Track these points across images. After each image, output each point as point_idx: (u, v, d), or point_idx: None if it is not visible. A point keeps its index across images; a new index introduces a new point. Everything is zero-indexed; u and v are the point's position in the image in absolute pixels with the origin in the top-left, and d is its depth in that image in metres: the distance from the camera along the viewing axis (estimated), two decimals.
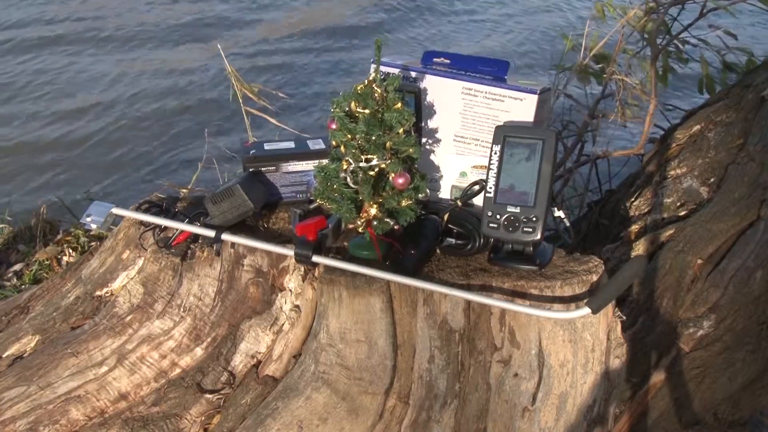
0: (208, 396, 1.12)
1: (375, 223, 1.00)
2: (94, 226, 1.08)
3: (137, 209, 1.15)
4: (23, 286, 2.02)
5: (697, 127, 1.64)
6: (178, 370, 1.14)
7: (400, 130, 0.96)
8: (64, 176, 3.33)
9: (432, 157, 1.13)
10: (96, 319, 1.19)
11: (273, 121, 2.20)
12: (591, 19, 2.13)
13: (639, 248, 1.52)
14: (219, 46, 2.49)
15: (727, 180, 1.49)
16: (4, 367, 1.21)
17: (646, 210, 1.62)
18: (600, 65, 2.15)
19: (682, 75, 2.14)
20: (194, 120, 3.83)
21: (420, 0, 5.68)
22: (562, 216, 1.06)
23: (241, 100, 2.16)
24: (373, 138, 0.95)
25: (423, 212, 1.04)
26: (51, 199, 2.75)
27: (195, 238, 1.13)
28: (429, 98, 1.10)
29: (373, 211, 0.99)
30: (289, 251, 1.01)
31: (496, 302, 0.95)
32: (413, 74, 1.10)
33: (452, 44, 4.91)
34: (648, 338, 1.42)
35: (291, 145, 1.21)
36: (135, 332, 1.15)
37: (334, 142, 0.99)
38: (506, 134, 1.01)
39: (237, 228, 1.09)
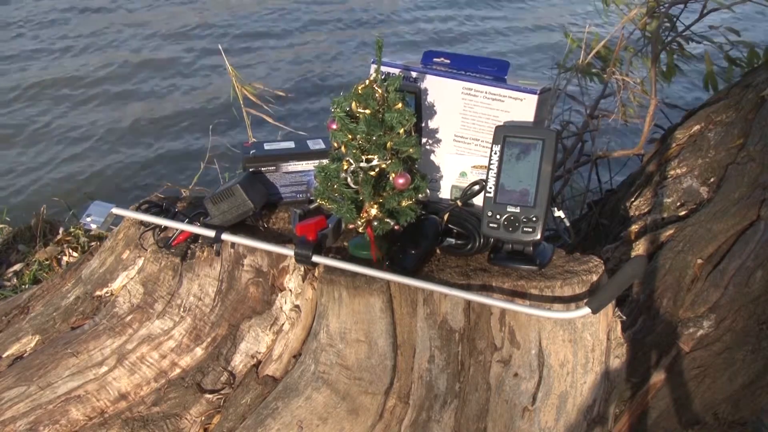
0: (208, 396, 1.12)
1: (375, 223, 1.00)
2: (94, 226, 1.08)
3: (137, 209, 1.15)
4: (23, 286, 2.02)
5: (697, 127, 1.64)
6: (178, 370, 1.14)
7: (401, 131, 0.96)
8: (65, 176, 3.33)
9: (432, 157, 1.13)
10: (96, 319, 1.19)
11: (270, 120, 2.20)
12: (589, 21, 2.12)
13: (639, 248, 1.52)
14: (220, 46, 2.49)
15: (727, 180, 1.49)
16: (4, 367, 1.21)
17: (646, 210, 1.62)
18: (602, 64, 2.15)
19: (683, 74, 2.14)
20: (195, 120, 3.83)
21: None
22: (562, 216, 1.06)
23: (241, 101, 2.16)
24: (374, 138, 0.95)
25: (423, 212, 1.04)
26: (51, 199, 2.75)
27: (195, 238, 1.13)
28: (429, 98, 1.10)
29: (374, 211, 0.99)
30: (289, 251, 1.01)
31: (496, 302, 0.95)
32: (413, 74, 1.10)
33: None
34: (648, 338, 1.42)
35: (291, 145, 1.21)
36: (135, 332, 1.15)
37: (335, 143, 0.99)
38: (506, 134, 1.01)
39: (237, 228, 1.09)
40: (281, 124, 2.27)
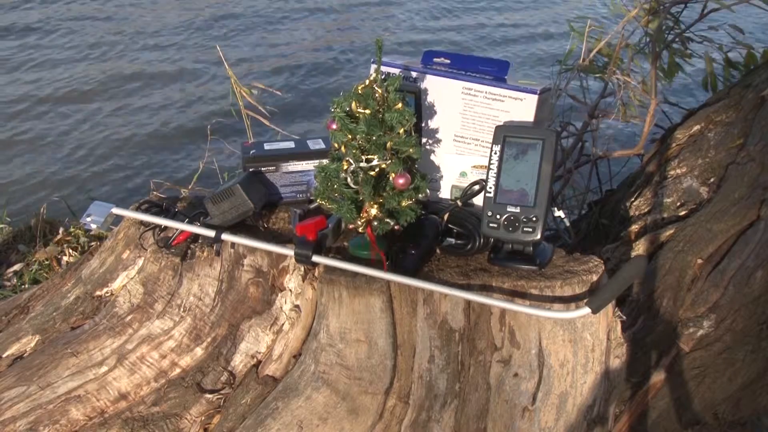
0: (208, 396, 1.12)
1: (375, 223, 1.00)
2: (94, 226, 1.08)
3: (137, 209, 1.15)
4: (23, 286, 2.02)
5: (697, 127, 1.64)
6: (178, 370, 1.14)
7: (401, 131, 0.96)
8: (64, 176, 3.33)
9: (432, 157, 1.13)
10: (96, 319, 1.19)
11: (268, 123, 2.20)
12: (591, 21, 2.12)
13: (639, 248, 1.52)
14: (218, 47, 2.49)
15: (727, 180, 1.49)
16: (4, 367, 1.21)
17: (646, 210, 1.62)
18: (603, 63, 2.15)
19: (684, 74, 2.14)
20: (194, 120, 3.83)
21: None
22: (562, 216, 1.06)
23: (240, 103, 2.16)
24: (374, 138, 0.95)
25: (423, 212, 1.04)
26: (51, 199, 2.75)
27: (195, 238, 1.13)
28: (429, 98, 1.10)
29: (374, 211, 0.99)
30: (289, 251, 1.01)
31: (496, 302, 0.95)
32: (413, 74, 1.10)
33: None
34: (648, 338, 1.42)
35: (291, 145, 1.21)
36: (135, 332, 1.15)
37: (334, 143, 0.99)
38: (506, 134, 1.01)
39: (237, 228, 1.09)
40: (279, 129, 2.26)
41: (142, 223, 1.17)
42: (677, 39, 2.03)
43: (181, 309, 1.14)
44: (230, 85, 2.16)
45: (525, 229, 0.99)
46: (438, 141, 1.12)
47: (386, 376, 1.02)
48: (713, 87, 2.01)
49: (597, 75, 2.14)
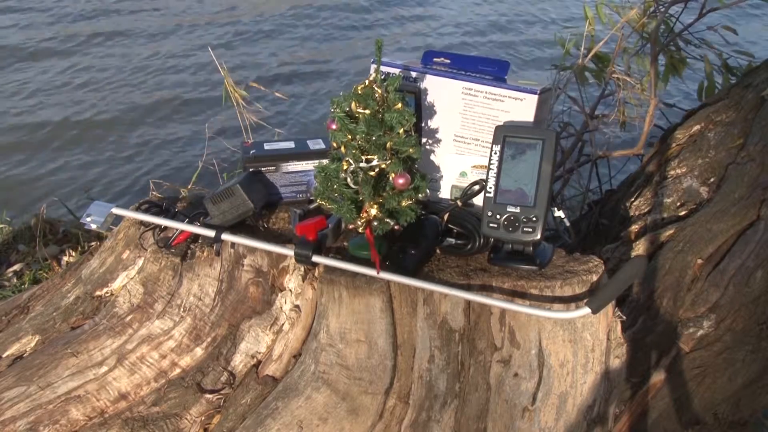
0: (208, 396, 1.12)
1: (375, 223, 1.00)
2: (94, 226, 1.08)
3: (137, 209, 1.15)
4: (23, 286, 2.02)
5: (697, 127, 1.64)
6: (178, 370, 1.14)
7: (401, 131, 0.96)
8: (64, 176, 3.33)
9: (432, 157, 1.13)
10: (96, 319, 1.19)
11: (265, 123, 2.20)
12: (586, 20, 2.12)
13: (639, 248, 1.52)
14: (210, 49, 2.49)
15: (727, 180, 1.49)
16: (4, 367, 1.21)
17: (646, 210, 1.62)
18: (601, 65, 2.15)
19: (679, 78, 2.14)
20: (194, 119, 3.83)
21: None
22: (562, 216, 1.06)
23: (234, 104, 2.16)
24: (374, 138, 0.95)
25: (423, 212, 1.04)
26: (51, 199, 2.75)
27: (195, 238, 1.13)
28: (429, 98, 1.10)
29: (374, 211, 0.99)
30: (289, 251, 1.01)
31: (496, 302, 0.95)
32: (413, 74, 1.10)
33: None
34: (648, 338, 1.42)
35: (291, 145, 1.21)
36: (135, 332, 1.15)
37: (334, 143, 0.99)
38: (506, 134, 1.01)
39: (237, 228, 1.09)
40: (273, 127, 2.26)
41: (142, 223, 1.17)
42: (673, 42, 2.03)
43: (181, 309, 1.14)
44: (227, 85, 2.16)
45: (525, 229, 0.99)
46: (438, 141, 1.12)
47: (386, 376, 1.02)
48: (709, 91, 2.01)
49: (593, 72, 2.14)
